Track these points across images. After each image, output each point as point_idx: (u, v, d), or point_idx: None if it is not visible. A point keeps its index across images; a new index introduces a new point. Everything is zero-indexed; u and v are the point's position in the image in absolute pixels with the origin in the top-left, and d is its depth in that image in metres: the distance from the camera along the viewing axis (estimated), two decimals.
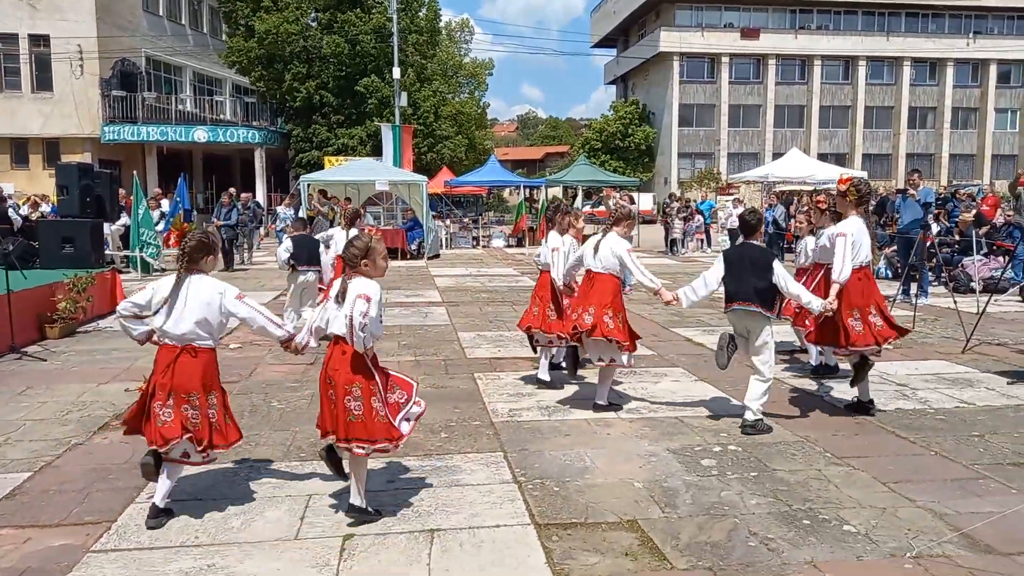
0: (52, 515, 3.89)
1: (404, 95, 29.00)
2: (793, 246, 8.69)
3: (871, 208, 6.88)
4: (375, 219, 23.19)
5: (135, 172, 16.81)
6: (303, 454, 4.78)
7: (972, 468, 4.55)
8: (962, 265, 13.21)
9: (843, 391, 6.13)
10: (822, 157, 38.50)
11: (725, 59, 48.18)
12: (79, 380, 6.70)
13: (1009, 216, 15.47)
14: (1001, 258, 13.28)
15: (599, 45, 61.13)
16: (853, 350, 5.51)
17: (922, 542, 3.58)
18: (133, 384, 6.25)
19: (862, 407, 5.72)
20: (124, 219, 15.62)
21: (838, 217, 5.76)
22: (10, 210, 15.18)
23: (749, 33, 48.10)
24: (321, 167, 27.05)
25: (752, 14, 48.75)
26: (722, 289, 5.38)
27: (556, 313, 6.36)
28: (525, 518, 3.86)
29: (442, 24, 40.36)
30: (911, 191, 11.65)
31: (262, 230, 22.52)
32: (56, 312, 8.63)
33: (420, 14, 35.09)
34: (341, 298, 3.71)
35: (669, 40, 47.72)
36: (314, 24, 33.47)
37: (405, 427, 3.80)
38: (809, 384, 6.61)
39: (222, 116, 35.71)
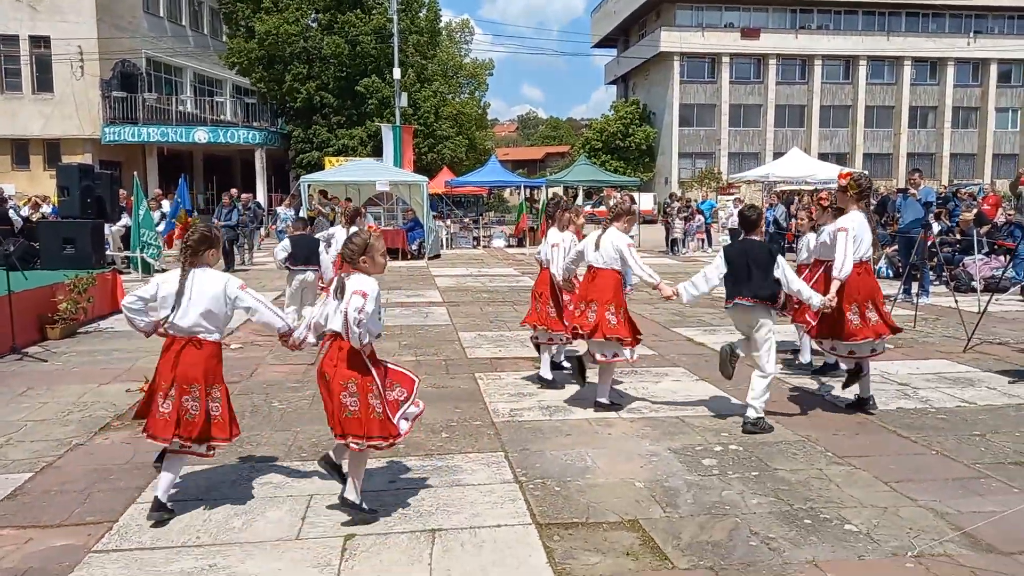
0: (53, 515, 3.90)
1: (404, 95, 29.02)
2: (794, 246, 8.70)
3: (872, 207, 6.89)
4: (376, 219, 23.20)
5: (136, 173, 16.81)
6: (304, 454, 4.78)
7: (973, 467, 4.55)
8: (963, 264, 13.21)
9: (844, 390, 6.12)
10: (823, 157, 38.49)
11: (726, 59, 48.19)
12: (80, 381, 6.70)
13: (1010, 215, 15.50)
14: (1002, 257, 13.27)
15: (599, 45, 61.14)
16: (851, 352, 5.53)
17: (924, 541, 3.58)
18: (134, 384, 6.25)
19: (862, 403, 5.72)
20: (125, 220, 15.62)
21: (840, 214, 5.76)
22: (11, 211, 15.22)
23: (749, 33, 48.11)
24: (321, 168, 27.05)
25: (752, 14, 48.76)
26: (723, 286, 5.38)
27: (556, 310, 6.37)
28: (526, 518, 3.86)
29: (442, 25, 40.40)
30: (912, 191, 11.65)
31: (263, 231, 22.53)
32: (57, 313, 8.63)
33: (420, 15, 35.13)
34: (339, 295, 3.73)
35: (669, 40, 47.73)
36: (314, 25, 33.51)
37: (404, 426, 3.80)
38: (810, 384, 6.61)
39: (223, 117, 35.73)
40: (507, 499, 4.10)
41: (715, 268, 5.33)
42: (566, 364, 7.29)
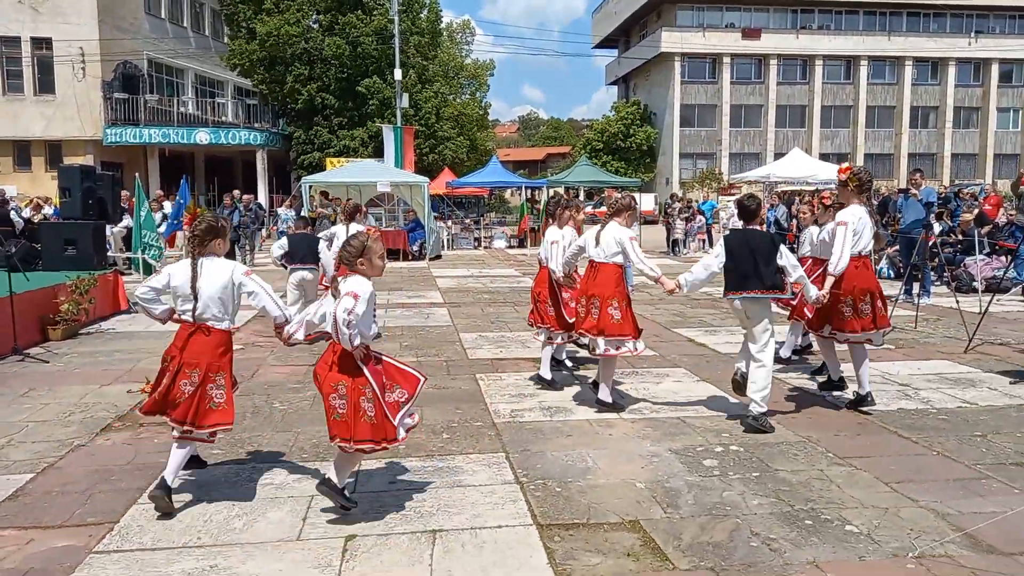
0: (55, 516, 3.90)
1: (405, 96, 29.02)
2: (794, 246, 8.70)
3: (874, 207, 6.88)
4: (377, 220, 23.22)
5: (137, 174, 16.85)
6: (305, 455, 4.78)
7: (975, 468, 4.54)
8: (964, 265, 13.19)
9: (845, 390, 6.12)
10: (824, 157, 38.45)
11: (726, 59, 48.18)
12: (81, 382, 6.71)
13: (1011, 215, 15.47)
14: (1003, 258, 13.26)
15: (600, 46, 61.15)
16: (847, 338, 5.58)
17: (924, 542, 3.58)
18: (136, 385, 6.27)
19: (861, 400, 5.70)
20: (126, 221, 15.64)
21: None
22: (12, 212, 15.23)
23: (750, 33, 48.10)
24: (323, 168, 27.07)
25: (753, 14, 48.75)
26: (722, 275, 5.37)
27: (555, 309, 6.37)
28: (527, 519, 3.86)
29: (443, 25, 40.42)
30: (913, 191, 11.64)
31: (264, 231, 22.53)
32: (58, 314, 8.64)
33: (421, 15, 35.16)
34: (336, 296, 3.74)
35: (670, 40, 47.72)
36: (315, 26, 33.54)
37: (402, 433, 3.78)
38: (810, 384, 6.60)
39: (224, 118, 35.78)
40: (508, 500, 4.10)
41: (715, 257, 5.30)
42: (568, 363, 7.30)
